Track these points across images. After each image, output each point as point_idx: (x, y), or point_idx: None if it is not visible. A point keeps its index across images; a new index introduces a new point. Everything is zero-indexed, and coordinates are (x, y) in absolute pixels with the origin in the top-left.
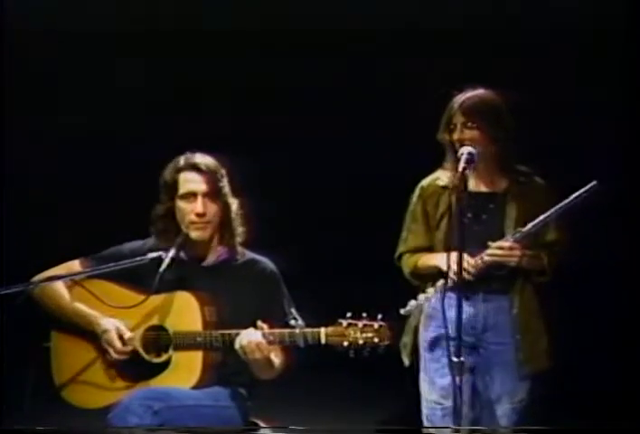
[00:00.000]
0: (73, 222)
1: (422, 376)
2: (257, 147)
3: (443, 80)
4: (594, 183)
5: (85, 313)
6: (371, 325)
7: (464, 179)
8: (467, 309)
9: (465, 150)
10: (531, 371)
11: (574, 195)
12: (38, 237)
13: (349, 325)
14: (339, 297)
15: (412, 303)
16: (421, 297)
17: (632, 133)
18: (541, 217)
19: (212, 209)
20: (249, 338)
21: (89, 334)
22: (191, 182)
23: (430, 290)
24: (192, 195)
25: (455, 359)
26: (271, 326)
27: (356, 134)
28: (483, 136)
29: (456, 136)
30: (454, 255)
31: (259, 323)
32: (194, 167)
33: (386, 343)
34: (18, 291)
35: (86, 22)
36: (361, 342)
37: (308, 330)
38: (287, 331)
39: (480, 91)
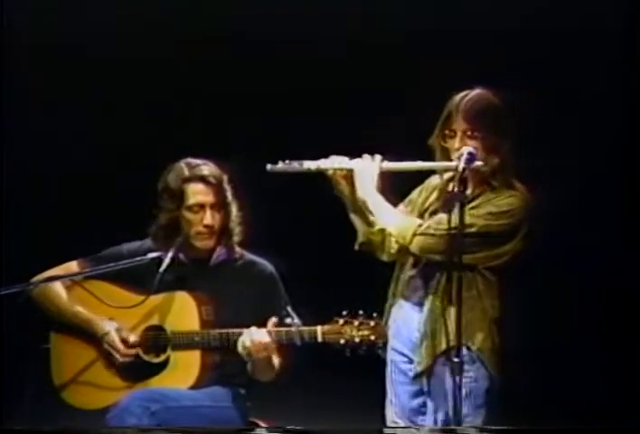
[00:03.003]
0: (73, 223)
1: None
2: (255, 148)
3: (440, 82)
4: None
5: (84, 315)
6: (368, 323)
7: (464, 180)
8: (406, 317)
9: (465, 150)
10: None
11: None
12: (38, 237)
13: (345, 322)
14: (335, 296)
15: None
16: None
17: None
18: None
19: (218, 218)
20: (252, 337)
21: (88, 335)
22: (199, 194)
23: None
24: (199, 207)
25: (455, 359)
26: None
27: (355, 134)
28: (484, 147)
29: (456, 144)
30: None
31: (273, 319)
32: (202, 179)
33: (382, 340)
34: (18, 291)
35: (85, 22)
36: (357, 340)
37: (305, 328)
38: (283, 329)
39: (483, 92)
